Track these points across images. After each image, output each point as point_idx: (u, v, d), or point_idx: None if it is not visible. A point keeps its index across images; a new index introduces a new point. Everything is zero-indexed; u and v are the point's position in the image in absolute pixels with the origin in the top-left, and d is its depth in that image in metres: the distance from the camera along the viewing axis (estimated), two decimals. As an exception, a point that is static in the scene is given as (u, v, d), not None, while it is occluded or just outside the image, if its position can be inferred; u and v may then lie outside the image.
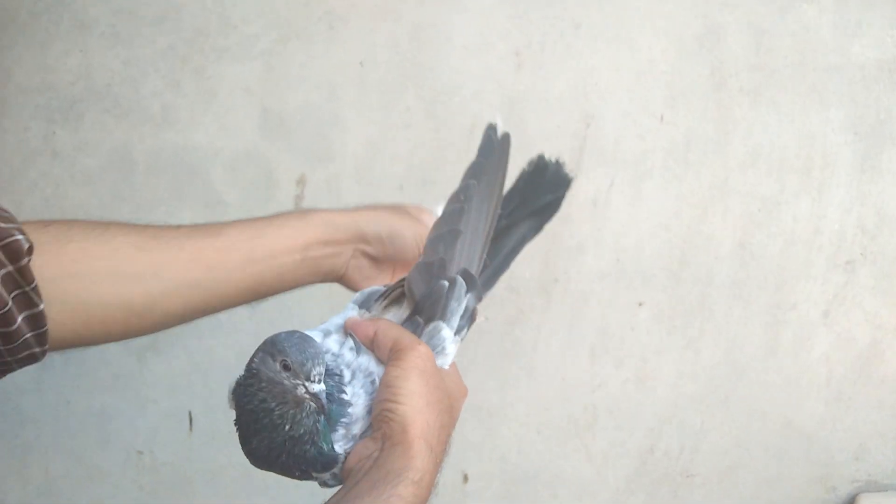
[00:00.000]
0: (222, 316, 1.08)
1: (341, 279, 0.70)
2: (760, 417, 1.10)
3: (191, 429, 1.13)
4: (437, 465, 0.54)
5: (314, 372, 0.50)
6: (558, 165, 0.68)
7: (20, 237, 0.55)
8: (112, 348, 1.09)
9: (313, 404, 0.51)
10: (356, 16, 1.03)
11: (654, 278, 1.07)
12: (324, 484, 0.55)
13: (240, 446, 0.56)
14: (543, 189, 0.67)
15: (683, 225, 1.06)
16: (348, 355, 0.56)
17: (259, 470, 0.57)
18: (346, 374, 0.55)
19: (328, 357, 0.55)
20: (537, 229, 0.67)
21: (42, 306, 0.56)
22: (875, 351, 1.07)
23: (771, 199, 1.05)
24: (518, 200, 0.67)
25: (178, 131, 1.04)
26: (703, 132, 1.04)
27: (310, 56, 1.04)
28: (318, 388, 0.50)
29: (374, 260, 0.70)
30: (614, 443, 1.13)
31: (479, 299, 0.61)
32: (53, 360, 1.10)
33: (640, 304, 1.08)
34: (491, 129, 0.67)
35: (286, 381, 0.51)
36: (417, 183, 1.06)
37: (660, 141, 1.05)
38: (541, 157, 0.68)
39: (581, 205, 1.06)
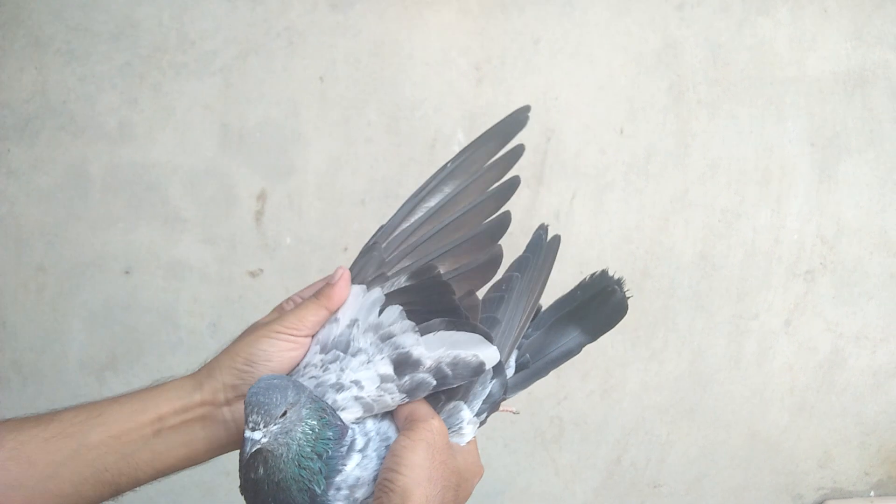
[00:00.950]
0: (182, 333, 1.08)
1: (235, 436, 0.60)
2: (725, 427, 1.11)
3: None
4: None
5: (251, 418, 0.50)
6: (619, 285, 0.67)
7: None
8: (71, 367, 1.07)
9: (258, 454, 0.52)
10: (316, 31, 1.03)
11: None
12: None
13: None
14: (598, 304, 0.67)
15: (645, 237, 1.07)
16: (370, 422, 0.57)
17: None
18: (359, 441, 0.55)
19: (351, 425, 0.56)
20: (585, 344, 0.67)
21: None
22: (836, 359, 1.08)
23: (731, 211, 1.06)
24: (572, 308, 0.67)
25: (135, 148, 1.03)
26: (662, 145, 1.05)
27: (269, 72, 1.03)
28: (248, 434, 0.50)
29: None
30: (581, 455, 1.12)
31: (505, 388, 0.61)
32: (11, 380, 1.09)
33: (604, 317, 1.08)
34: (542, 229, 0.68)
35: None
36: (379, 197, 1.06)
37: (620, 154, 1.05)
38: (603, 273, 0.68)
39: (544, 218, 1.06)
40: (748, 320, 1.08)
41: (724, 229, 1.06)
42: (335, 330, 0.59)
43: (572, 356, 0.66)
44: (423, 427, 0.54)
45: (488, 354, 0.57)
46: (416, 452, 0.53)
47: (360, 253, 0.62)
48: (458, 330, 0.57)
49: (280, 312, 0.63)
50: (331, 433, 0.53)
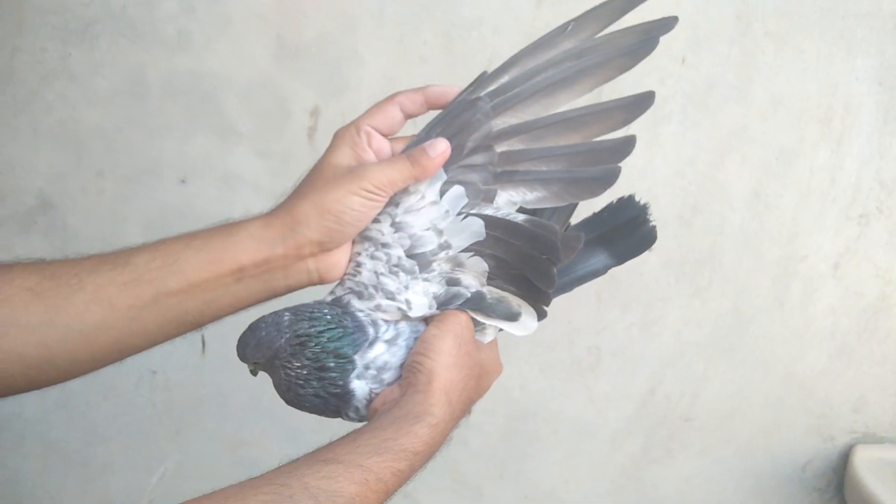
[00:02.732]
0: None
1: (321, 281, 0.60)
2: (763, 367, 1.11)
3: (203, 352, 1.16)
4: (454, 421, 0.57)
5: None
6: (645, 210, 0.69)
7: None
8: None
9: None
10: (376, -56, 1.01)
11: (666, 225, 1.07)
12: (347, 417, 0.60)
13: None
14: (626, 228, 0.69)
15: (698, 172, 1.05)
16: (403, 323, 0.60)
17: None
18: (390, 331, 0.59)
19: (372, 318, 0.60)
20: (611, 266, 0.68)
21: None
22: (882, 305, 1.07)
23: (789, 149, 1.04)
24: (598, 231, 0.68)
25: (192, 56, 1.03)
26: (724, 78, 1.02)
27: (327, -16, 1.02)
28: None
29: (344, 245, 0.59)
30: (616, 384, 1.14)
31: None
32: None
33: (650, 251, 1.08)
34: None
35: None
36: (432, 118, 1.05)
37: (680, 84, 1.03)
38: (631, 198, 0.69)
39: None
40: (796, 262, 1.07)
41: (780, 168, 1.04)
42: (417, 222, 0.59)
43: (597, 276, 0.68)
44: (453, 319, 0.59)
45: (528, 324, 0.61)
46: (445, 340, 0.57)
47: (456, 104, 0.61)
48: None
49: (352, 147, 0.60)
50: (348, 338, 0.59)
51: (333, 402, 0.59)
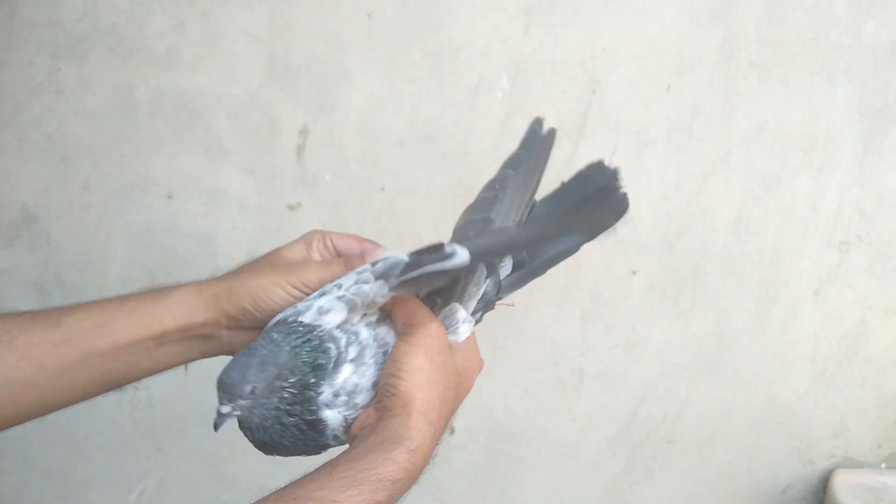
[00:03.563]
0: (220, 260, 1.10)
1: (233, 353, 0.62)
2: (744, 389, 1.12)
3: (186, 369, 1.15)
4: (436, 439, 0.56)
5: (219, 396, 0.56)
6: (615, 176, 0.65)
7: None
8: (111, 285, 1.10)
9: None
10: (366, -34, 1.02)
11: (650, 248, 1.08)
12: (328, 445, 0.59)
13: None
14: (596, 198, 0.65)
15: (682, 196, 1.07)
16: (364, 331, 0.58)
17: None
18: (352, 350, 0.57)
19: (337, 334, 0.58)
20: (583, 243, 0.64)
21: None
22: (862, 331, 1.09)
23: (771, 175, 1.05)
24: (568, 204, 0.65)
25: (181, 74, 1.04)
26: (708, 104, 1.04)
27: (318, 5, 1.03)
28: (218, 407, 0.56)
29: (257, 329, 0.62)
30: (599, 405, 1.15)
31: (499, 287, 0.62)
32: (53, 293, 1.12)
33: (634, 273, 1.09)
34: (536, 123, 0.66)
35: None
36: (419, 139, 1.06)
37: (665, 110, 1.04)
38: (600, 164, 0.66)
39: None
40: (778, 286, 1.08)
41: (762, 193, 1.06)
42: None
43: (570, 255, 0.64)
44: (422, 331, 0.56)
45: (462, 256, 0.56)
46: (416, 357, 0.55)
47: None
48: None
49: (307, 246, 0.65)
50: (314, 359, 0.56)
51: (312, 435, 0.57)
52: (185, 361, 0.64)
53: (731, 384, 1.12)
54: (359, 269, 0.59)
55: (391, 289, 0.57)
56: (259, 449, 0.59)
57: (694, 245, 1.08)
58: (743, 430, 1.14)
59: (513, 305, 0.70)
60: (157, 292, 0.63)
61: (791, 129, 1.04)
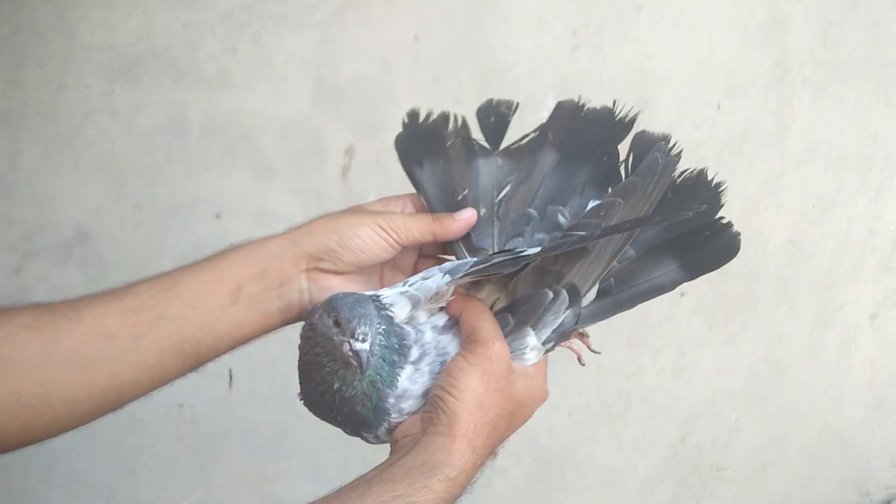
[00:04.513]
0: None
1: (312, 302, 0.58)
2: (798, 417, 1.09)
3: (230, 386, 1.16)
4: (477, 468, 0.53)
5: (359, 331, 0.50)
6: (718, 196, 0.59)
7: None
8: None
9: (353, 362, 0.51)
10: (414, -11, 1.03)
11: (699, 270, 1.06)
12: (366, 440, 0.56)
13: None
14: (705, 237, 0.59)
15: (733, 218, 1.03)
16: (429, 334, 0.56)
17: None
18: (414, 352, 0.54)
19: (408, 329, 0.55)
20: (681, 282, 0.58)
21: None
22: (923, 359, 1.05)
23: (826, 198, 1.03)
24: (674, 236, 0.58)
25: (232, 96, 1.05)
26: (760, 124, 1.02)
27: (366, 28, 1.04)
28: (360, 346, 0.50)
29: (340, 274, 0.58)
30: (646, 432, 1.12)
31: (578, 318, 0.57)
32: (103, 312, 1.14)
33: (682, 296, 1.07)
34: (660, 150, 0.58)
35: (335, 337, 0.51)
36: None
37: (716, 131, 1.03)
38: (702, 173, 0.59)
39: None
40: (833, 311, 1.05)
41: (817, 216, 1.03)
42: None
43: (664, 292, 0.57)
44: (482, 352, 0.53)
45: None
46: (472, 377, 0.52)
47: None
48: None
49: (384, 206, 0.62)
50: (395, 339, 0.53)
51: (363, 419, 0.53)
52: (264, 325, 0.58)
53: (784, 412, 1.09)
54: (426, 270, 0.56)
55: (454, 278, 0.53)
56: (310, 406, 0.56)
57: (746, 268, 1.05)
58: (796, 460, 1.11)
59: (599, 353, 0.64)
60: (230, 248, 0.58)
61: (847, 151, 1.01)
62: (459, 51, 1.04)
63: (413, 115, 0.64)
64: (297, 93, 1.05)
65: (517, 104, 0.62)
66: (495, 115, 0.64)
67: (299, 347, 0.55)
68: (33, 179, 1.06)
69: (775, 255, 1.04)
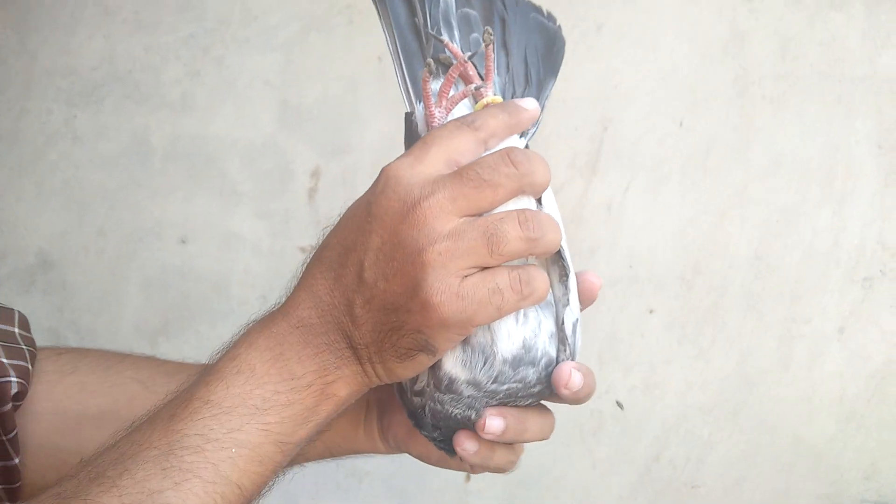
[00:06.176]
0: (233, 303, 1.10)
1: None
2: (770, 431, 1.08)
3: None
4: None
5: None
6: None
7: (12, 379, 0.49)
8: (125, 330, 1.10)
9: None
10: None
11: (667, 285, 1.06)
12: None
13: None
14: None
15: (699, 232, 1.05)
16: None
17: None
18: None
19: None
20: None
21: (17, 460, 0.49)
22: (890, 369, 1.05)
23: (790, 210, 1.03)
24: None
25: (196, 119, 1.05)
26: (723, 139, 1.03)
27: (329, 49, 1.04)
28: None
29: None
30: (619, 449, 1.12)
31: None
32: (68, 338, 1.13)
33: (651, 312, 1.07)
34: None
35: None
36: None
37: (679, 146, 1.03)
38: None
39: (595, 209, 1.05)
40: (801, 324, 1.05)
41: (781, 229, 1.03)
42: None
43: None
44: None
45: None
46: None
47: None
48: None
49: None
50: None
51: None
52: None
53: (756, 427, 1.09)
54: None
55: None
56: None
57: (713, 282, 1.05)
58: (770, 475, 1.10)
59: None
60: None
61: (809, 163, 1.02)
62: (424, 71, 1.04)
63: None
64: (262, 115, 1.05)
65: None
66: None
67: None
68: (-6, 206, 1.05)
69: (742, 268, 1.05)
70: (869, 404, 1.06)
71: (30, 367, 0.52)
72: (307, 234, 1.07)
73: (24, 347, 0.53)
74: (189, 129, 1.06)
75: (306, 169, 1.06)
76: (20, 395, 0.50)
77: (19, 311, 0.60)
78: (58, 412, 0.52)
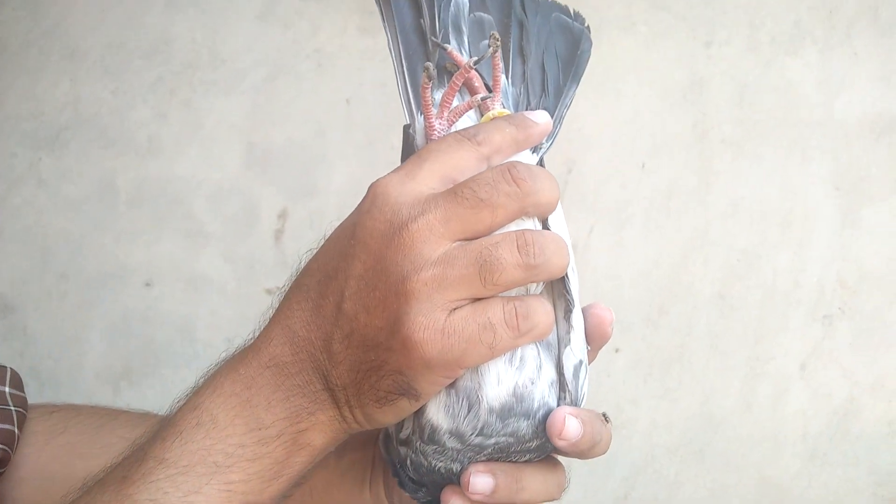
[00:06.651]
0: (199, 346, 1.09)
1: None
2: (736, 471, 1.09)
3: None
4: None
5: None
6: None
7: None
8: (87, 376, 1.09)
9: None
10: (344, 55, 1.04)
11: (633, 326, 1.07)
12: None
13: None
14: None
15: (663, 274, 1.06)
16: None
17: None
18: None
19: None
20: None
21: None
22: (851, 407, 1.07)
23: (751, 251, 1.05)
24: None
25: (162, 162, 1.05)
26: (684, 182, 1.05)
27: (297, 93, 1.05)
28: None
29: None
30: (588, 490, 1.11)
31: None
32: (28, 385, 1.10)
33: (617, 351, 1.08)
34: None
35: None
36: (399, 222, 1.06)
37: (641, 189, 1.05)
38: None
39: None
40: (763, 363, 1.07)
41: (743, 270, 1.05)
42: None
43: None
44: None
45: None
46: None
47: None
48: None
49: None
50: None
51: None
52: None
53: (721, 466, 1.09)
54: None
55: None
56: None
57: (678, 323, 1.07)
58: (737, 513, 1.11)
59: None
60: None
61: (768, 206, 1.05)
62: (391, 115, 1.05)
63: None
64: (229, 157, 1.05)
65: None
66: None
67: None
68: (-46, 251, 1.04)
69: (705, 308, 1.06)
70: (832, 441, 1.08)
71: (16, 431, 0.50)
72: (274, 276, 1.07)
73: (13, 408, 0.51)
74: (155, 171, 1.05)
75: (273, 211, 1.06)
76: (3, 462, 0.48)
77: (11, 369, 0.57)
78: (44, 477, 0.49)
